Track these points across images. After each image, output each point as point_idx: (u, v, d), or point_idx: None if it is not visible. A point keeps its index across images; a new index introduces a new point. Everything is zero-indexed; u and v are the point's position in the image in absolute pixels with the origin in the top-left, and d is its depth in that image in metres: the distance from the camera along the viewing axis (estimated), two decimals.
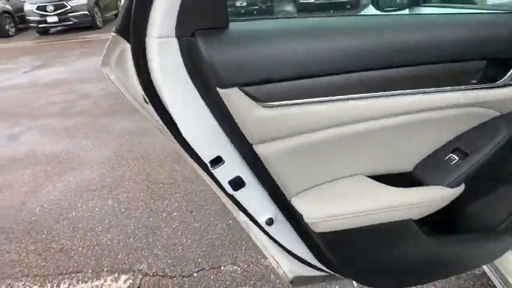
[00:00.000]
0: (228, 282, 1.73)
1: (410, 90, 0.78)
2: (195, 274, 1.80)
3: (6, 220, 2.37)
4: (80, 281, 1.82)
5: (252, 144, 0.75)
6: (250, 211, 0.85)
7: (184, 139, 0.71)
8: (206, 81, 0.64)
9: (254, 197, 0.84)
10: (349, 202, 0.86)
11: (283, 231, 0.93)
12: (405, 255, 0.97)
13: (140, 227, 2.18)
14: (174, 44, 0.63)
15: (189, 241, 2.01)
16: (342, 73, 0.73)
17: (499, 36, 0.79)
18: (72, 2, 10.35)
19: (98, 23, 10.96)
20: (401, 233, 0.93)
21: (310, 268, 1.03)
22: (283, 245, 0.96)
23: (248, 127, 0.72)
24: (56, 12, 10.28)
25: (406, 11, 1.70)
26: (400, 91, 0.77)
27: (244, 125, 0.70)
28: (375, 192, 0.88)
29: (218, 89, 0.64)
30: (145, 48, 0.64)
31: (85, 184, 2.70)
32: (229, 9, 0.64)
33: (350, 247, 0.93)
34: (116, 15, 11.57)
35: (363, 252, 0.97)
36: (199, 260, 1.88)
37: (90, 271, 1.88)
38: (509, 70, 0.82)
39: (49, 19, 10.32)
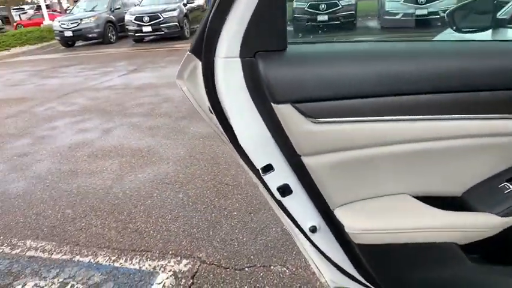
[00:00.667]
0: (275, 281, 1.87)
1: (461, 115, 0.83)
2: (246, 269, 1.97)
3: (96, 200, 2.77)
4: (148, 259, 2.10)
5: (300, 156, 0.84)
6: (295, 217, 0.95)
7: (240, 146, 0.81)
8: (263, 97, 0.78)
9: (300, 204, 0.93)
10: (391, 218, 0.92)
11: (326, 240, 1.00)
12: (446, 278, 0.99)
13: (203, 220, 2.42)
14: (237, 63, 0.76)
15: (244, 239, 2.19)
16: (391, 95, 0.80)
17: None
18: (165, 14, 11.41)
19: (186, 33, 11.89)
20: (443, 256, 0.96)
21: (350, 280, 1.09)
22: (326, 253, 1.03)
23: (297, 140, 0.81)
24: (150, 23, 11.40)
25: (488, 33, 1.69)
26: (451, 115, 0.82)
27: (294, 138, 0.81)
28: (419, 212, 0.93)
29: (273, 104, 0.78)
30: (213, 67, 0.77)
31: (161, 177, 3.04)
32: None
33: (389, 262, 0.98)
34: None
35: (402, 269, 1.01)
36: (252, 257, 2.04)
37: (157, 252, 2.15)
38: None
39: (144, 29, 11.47)
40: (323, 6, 9.91)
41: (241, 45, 0.75)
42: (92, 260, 2.12)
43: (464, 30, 1.76)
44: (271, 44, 0.77)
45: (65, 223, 2.52)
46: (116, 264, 2.08)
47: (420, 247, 0.93)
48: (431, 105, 0.81)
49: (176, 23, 11.53)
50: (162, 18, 11.41)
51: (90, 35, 12.37)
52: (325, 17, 9.99)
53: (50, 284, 1.96)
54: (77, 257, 2.15)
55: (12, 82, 7.80)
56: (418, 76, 0.79)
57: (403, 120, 0.83)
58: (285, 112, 0.77)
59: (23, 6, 29.65)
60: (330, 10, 9.88)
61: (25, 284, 1.96)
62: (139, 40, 12.12)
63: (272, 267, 1.96)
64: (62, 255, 2.18)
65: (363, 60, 0.82)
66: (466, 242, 0.95)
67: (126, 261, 2.10)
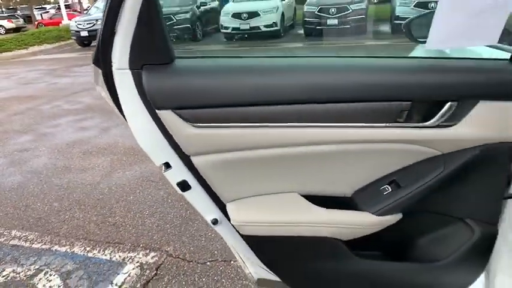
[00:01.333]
0: (232, 275, 1.98)
1: (343, 124, 0.92)
2: (208, 263, 2.08)
3: (83, 194, 2.94)
4: (119, 250, 2.23)
5: (189, 156, 0.96)
6: (199, 210, 1.07)
7: None
8: (151, 105, 0.90)
9: (200, 199, 1.04)
10: (275, 213, 1.02)
11: (229, 232, 1.11)
12: (333, 270, 1.09)
13: (178, 216, 2.54)
14: (129, 74, 0.87)
15: (212, 235, 2.30)
16: (262, 104, 0.88)
17: (426, 81, 0.90)
18: (177, 16, 11.60)
19: (199, 35, 12.07)
20: (326, 249, 1.06)
21: (265, 271, 1.21)
22: (232, 245, 1.14)
23: (181, 141, 0.92)
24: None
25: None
26: (333, 123, 0.92)
27: (178, 140, 0.92)
28: (303, 208, 1.03)
29: (156, 110, 0.90)
30: (112, 76, 0.87)
31: (147, 175, 3.19)
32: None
33: (277, 253, 1.08)
34: (215, 29, 12.57)
35: (289, 260, 1.10)
36: (216, 252, 2.15)
37: (129, 244, 2.29)
38: (437, 113, 0.93)
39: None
40: (333, 10, 10.08)
41: (130, 58, 0.86)
42: (68, 250, 2.27)
43: (421, 40, 1.83)
44: (157, 58, 0.88)
45: (50, 215, 2.68)
46: (90, 255, 2.22)
47: (303, 240, 1.03)
48: (309, 113, 0.91)
49: (189, 25, 11.72)
50: (174, 20, 11.63)
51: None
52: (335, 21, 10.18)
53: (26, 270, 2.12)
54: (55, 247, 2.31)
55: (25, 80, 8.14)
56: (292, 88, 0.88)
57: (276, 127, 0.91)
58: (167, 117, 0.88)
59: (45, 6, 30.64)
60: (340, 14, 10.05)
61: (3, 270, 2.12)
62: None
63: (232, 262, 2.06)
64: (42, 245, 2.34)
65: (239, 74, 0.91)
66: (348, 238, 1.04)
67: (99, 252, 2.24)
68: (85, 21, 12.99)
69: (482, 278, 1.24)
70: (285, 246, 1.06)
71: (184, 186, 1.01)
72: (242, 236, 1.06)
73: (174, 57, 0.91)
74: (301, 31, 10.97)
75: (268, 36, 10.68)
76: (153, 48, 0.86)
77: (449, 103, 0.92)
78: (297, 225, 1.02)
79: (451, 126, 0.95)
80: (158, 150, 0.95)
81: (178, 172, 0.98)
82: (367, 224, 1.02)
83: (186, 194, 1.03)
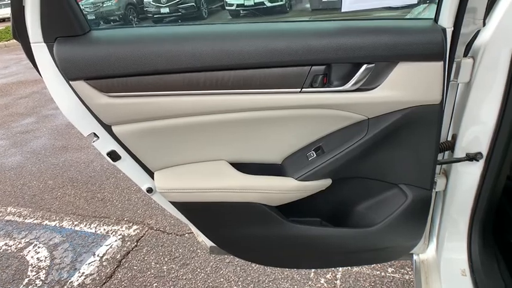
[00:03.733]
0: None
1: (261, 90, 0.93)
2: (186, 235, 2.16)
3: (77, 172, 3.04)
4: (104, 224, 2.33)
5: (110, 126, 0.98)
6: (133, 180, 1.10)
7: None
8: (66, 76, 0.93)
9: (132, 168, 1.07)
10: (201, 180, 1.05)
11: (167, 202, 1.14)
12: (262, 235, 1.13)
13: None
14: (44, 47, 0.89)
15: None
16: (185, 72, 0.89)
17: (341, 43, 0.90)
18: None
19: (204, 14, 11.98)
20: (255, 215, 1.09)
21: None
22: (170, 212, 1.18)
23: (98, 111, 0.92)
24: (168, 4, 11.58)
25: None
26: (250, 90, 0.94)
27: (95, 109, 0.94)
28: (228, 175, 1.05)
29: (70, 82, 0.93)
30: (31, 49, 0.89)
31: None
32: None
33: (206, 219, 1.12)
34: (221, 6, 12.51)
35: (220, 225, 1.13)
36: None
37: (114, 218, 2.38)
38: (352, 76, 0.93)
39: (162, 10, 11.68)
40: None
41: (42, 31, 0.88)
42: (57, 224, 2.38)
43: None
44: (69, 30, 0.89)
45: (44, 192, 2.81)
46: (77, 228, 2.33)
47: (231, 206, 1.06)
48: (228, 81, 0.92)
49: (193, 4, 11.64)
50: (179, 0, 11.55)
51: (111, 18, 12.74)
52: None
53: (17, 243, 2.24)
54: (46, 222, 2.43)
55: None
56: (205, 54, 0.89)
57: (192, 94, 0.92)
58: (79, 88, 0.91)
59: None
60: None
61: None
62: (158, 22, 12.35)
63: None
64: (34, 220, 2.46)
65: (152, 43, 0.91)
66: (276, 203, 1.07)
67: (85, 225, 2.34)
68: (92, 3, 13.02)
69: (421, 243, 1.26)
70: (213, 212, 1.10)
71: (114, 156, 1.04)
72: (171, 203, 1.10)
73: (88, 28, 0.93)
74: (308, 5, 10.75)
75: (273, 12, 10.55)
76: (64, 20, 0.88)
77: (364, 65, 0.91)
78: (223, 191, 1.05)
79: (371, 89, 0.95)
80: (83, 121, 0.98)
81: (106, 142, 1.02)
82: (290, 188, 1.04)
83: (118, 164, 1.07)
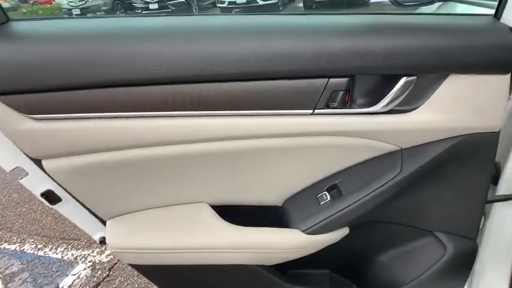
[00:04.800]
0: None
1: (256, 112, 0.67)
2: None
3: None
4: (73, 248, 2.03)
5: (40, 160, 0.69)
6: (82, 228, 0.81)
7: None
8: None
9: (78, 213, 0.79)
10: (168, 233, 0.77)
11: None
12: None
13: None
14: None
15: None
16: (145, 84, 0.62)
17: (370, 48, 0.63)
18: None
19: (194, 10, 11.65)
20: (247, 280, 0.82)
21: None
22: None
23: (19, 140, 0.66)
24: (156, 0, 11.21)
25: None
26: (241, 112, 0.67)
27: (14, 138, 0.65)
28: (210, 226, 0.77)
29: None
30: None
31: None
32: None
33: (178, 286, 0.84)
34: (212, 3, 12.17)
35: None
36: None
37: (85, 241, 2.08)
38: (387, 94, 0.67)
39: (151, 6, 11.30)
40: None
41: None
42: (17, 248, 2.07)
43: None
44: None
45: (7, 208, 2.49)
46: (40, 253, 2.02)
47: (213, 270, 0.79)
48: (207, 97, 0.64)
49: (183, 0, 11.30)
50: None
51: (97, 13, 12.30)
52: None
53: None
54: (4, 244, 2.11)
55: None
56: (174, 59, 0.61)
57: (156, 116, 0.65)
58: None
59: None
60: None
61: None
62: None
63: None
64: None
65: (95, 41, 0.62)
66: (274, 262, 0.80)
67: (51, 249, 2.04)
68: None
69: None
70: (187, 277, 0.82)
71: (51, 198, 0.75)
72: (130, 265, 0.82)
73: (5, 19, 0.64)
74: (301, 4, 10.53)
75: (266, 11, 10.30)
76: None
77: (403, 78, 0.65)
78: (202, 251, 0.77)
79: (409, 111, 0.69)
80: (5, 152, 0.69)
81: (39, 180, 0.73)
82: (295, 246, 0.77)
83: (58, 208, 0.78)
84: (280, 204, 0.82)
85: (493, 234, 0.86)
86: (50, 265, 1.92)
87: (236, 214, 0.83)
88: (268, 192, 0.80)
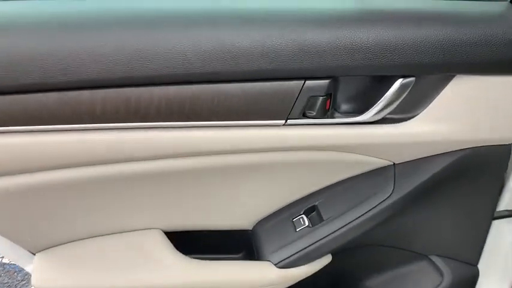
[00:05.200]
0: None
1: (205, 123, 0.53)
2: None
3: None
4: None
5: None
6: (12, 260, 0.67)
7: None
8: None
9: (4, 243, 0.65)
10: (108, 269, 0.64)
11: None
12: None
13: None
14: None
15: None
16: (73, 89, 0.49)
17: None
18: None
19: None
20: None
21: None
22: None
23: None
24: None
25: None
26: (194, 123, 0.53)
27: None
28: (162, 259, 0.64)
29: None
30: None
31: None
32: None
33: None
34: None
35: None
36: None
37: None
38: (379, 99, 0.54)
39: None
40: None
41: None
42: None
43: None
44: None
45: None
46: (4, 261, 1.88)
47: None
48: (158, 106, 0.50)
49: None
50: None
51: None
52: None
53: None
54: None
55: None
56: (114, 57, 0.47)
57: (95, 129, 0.52)
58: None
59: None
60: None
61: None
62: None
63: None
64: None
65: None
66: None
67: None
68: None
69: None
70: None
71: None
72: None
73: None
74: None
75: None
76: None
77: (399, 80, 0.52)
78: None
79: (405, 120, 0.56)
80: None
81: None
82: (266, 283, 0.64)
83: None
84: (250, 228, 0.69)
85: (488, 254, 0.75)
86: (15, 274, 1.78)
87: (196, 242, 0.70)
88: (235, 215, 0.67)
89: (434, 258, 0.72)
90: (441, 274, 0.72)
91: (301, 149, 0.56)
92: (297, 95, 0.52)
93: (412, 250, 0.73)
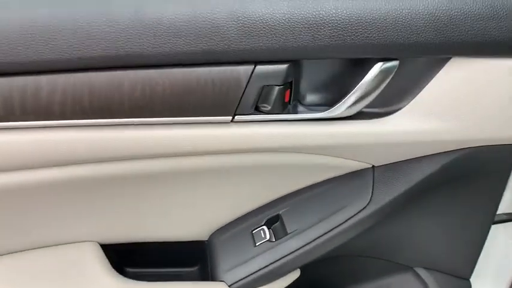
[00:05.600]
0: None
1: (129, 120, 0.42)
2: None
3: None
4: None
5: None
6: None
7: None
8: None
9: None
10: None
11: None
12: None
13: None
14: None
15: None
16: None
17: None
18: None
19: None
20: None
21: None
22: None
23: None
24: None
25: None
26: (117, 120, 0.41)
27: None
28: (96, 279, 0.53)
29: None
30: None
31: None
32: None
33: None
34: None
35: None
36: None
37: None
38: (348, 89, 0.42)
39: None
40: None
41: None
42: None
43: None
44: None
45: None
46: None
47: None
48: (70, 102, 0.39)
49: None
50: None
51: None
52: None
53: None
54: None
55: None
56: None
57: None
58: None
59: None
60: None
61: None
62: None
63: None
64: None
65: None
66: None
67: None
68: None
69: None
70: None
71: None
72: None
73: None
74: None
75: None
76: None
77: (378, 65, 0.40)
78: None
79: (386, 114, 0.45)
80: None
81: None
82: None
83: None
84: (206, 239, 0.59)
85: (479, 261, 0.66)
86: None
87: (147, 254, 0.60)
88: (187, 224, 0.56)
89: (420, 271, 0.62)
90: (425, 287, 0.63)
91: (255, 150, 0.45)
92: (245, 84, 0.40)
93: (394, 261, 0.63)
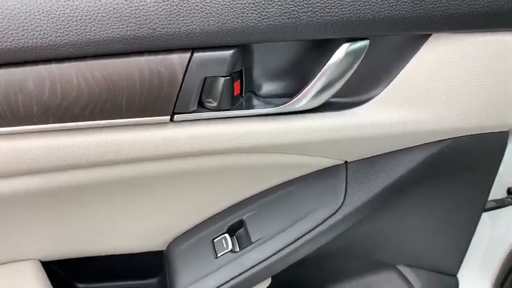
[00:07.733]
0: None
1: (78, 124, 0.34)
2: None
3: None
4: None
5: None
6: None
7: None
8: None
9: None
10: None
11: None
12: None
13: None
14: None
15: None
16: None
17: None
18: None
19: None
20: None
21: None
22: None
23: None
24: None
25: None
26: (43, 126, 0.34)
27: None
28: None
29: None
30: None
31: None
32: None
33: None
34: None
35: None
36: None
37: None
38: (317, 72, 0.35)
39: None
40: None
41: None
42: None
43: None
44: None
45: None
46: None
47: None
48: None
49: None
50: None
51: None
52: None
53: None
54: None
55: None
56: None
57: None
58: None
59: None
60: None
61: None
62: None
63: None
64: None
65: None
66: None
67: None
68: None
69: None
70: None
71: None
72: None
73: None
74: None
75: None
76: None
77: (345, 46, 0.33)
78: None
79: (357, 104, 0.38)
80: None
81: None
82: None
83: None
84: (164, 249, 0.53)
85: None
86: None
87: (103, 266, 0.53)
88: (140, 234, 0.50)
89: (403, 269, 0.57)
90: (410, 287, 0.58)
91: (200, 154, 0.38)
92: (182, 75, 0.32)
93: (376, 259, 0.58)
